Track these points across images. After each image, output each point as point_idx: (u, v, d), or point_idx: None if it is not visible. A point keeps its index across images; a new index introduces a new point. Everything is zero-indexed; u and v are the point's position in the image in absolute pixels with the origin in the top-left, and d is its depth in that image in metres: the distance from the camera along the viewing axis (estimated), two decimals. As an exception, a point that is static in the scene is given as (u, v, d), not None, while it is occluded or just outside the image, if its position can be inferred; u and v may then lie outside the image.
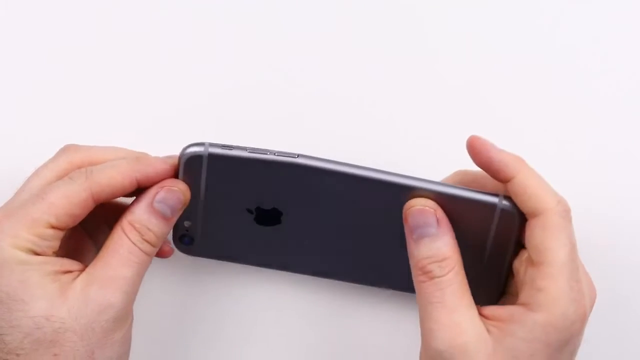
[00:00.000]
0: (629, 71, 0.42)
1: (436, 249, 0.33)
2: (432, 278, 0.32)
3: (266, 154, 0.33)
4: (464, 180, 0.36)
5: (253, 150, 0.33)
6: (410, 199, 0.34)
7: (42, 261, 0.32)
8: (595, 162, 0.41)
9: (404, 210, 0.34)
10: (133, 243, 0.33)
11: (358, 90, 0.42)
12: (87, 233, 0.38)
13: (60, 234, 0.33)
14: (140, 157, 0.34)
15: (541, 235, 0.31)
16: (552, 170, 0.37)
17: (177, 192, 0.34)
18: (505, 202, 0.33)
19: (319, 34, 0.42)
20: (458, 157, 0.38)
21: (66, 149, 0.36)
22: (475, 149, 0.33)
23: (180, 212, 0.35)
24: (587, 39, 0.41)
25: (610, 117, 0.41)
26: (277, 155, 0.33)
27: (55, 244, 0.33)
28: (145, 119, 0.42)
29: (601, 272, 0.35)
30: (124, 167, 0.33)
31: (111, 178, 0.33)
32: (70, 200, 0.32)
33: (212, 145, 0.33)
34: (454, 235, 0.33)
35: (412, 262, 0.33)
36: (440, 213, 0.33)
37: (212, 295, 0.42)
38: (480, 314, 0.32)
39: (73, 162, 0.35)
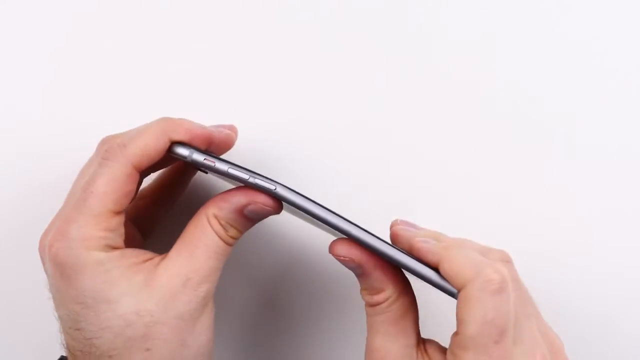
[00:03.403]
0: (629, 71, 0.41)
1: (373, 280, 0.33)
2: (368, 305, 0.33)
3: (247, 175, 0.33)
4: None
5: (234, 167, 0.33)
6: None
7: (120, 255, 0.32)
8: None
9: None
10: (217, 235, 0.33)
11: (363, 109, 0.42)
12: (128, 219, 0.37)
13: (122, 219, 0.33)
14: (167, 117, 0.34)
15: (458, 307, 0.30)
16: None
17: (270, 211, 0.33)
18: None
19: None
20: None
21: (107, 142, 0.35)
22: (397, 238, 0.33)
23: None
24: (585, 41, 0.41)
25: (613, 116, 0.41)
26: (257, 179, 0.33)
27: (122, 231, 0.33)
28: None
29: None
30: (154, 130, 0.33)
31: (145, 145, 0.33)
32: (118, 182, 0.32)
33: (197, 151, 0.33)
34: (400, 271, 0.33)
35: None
36: None
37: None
38: (424, 347, 0.33)
39: None
